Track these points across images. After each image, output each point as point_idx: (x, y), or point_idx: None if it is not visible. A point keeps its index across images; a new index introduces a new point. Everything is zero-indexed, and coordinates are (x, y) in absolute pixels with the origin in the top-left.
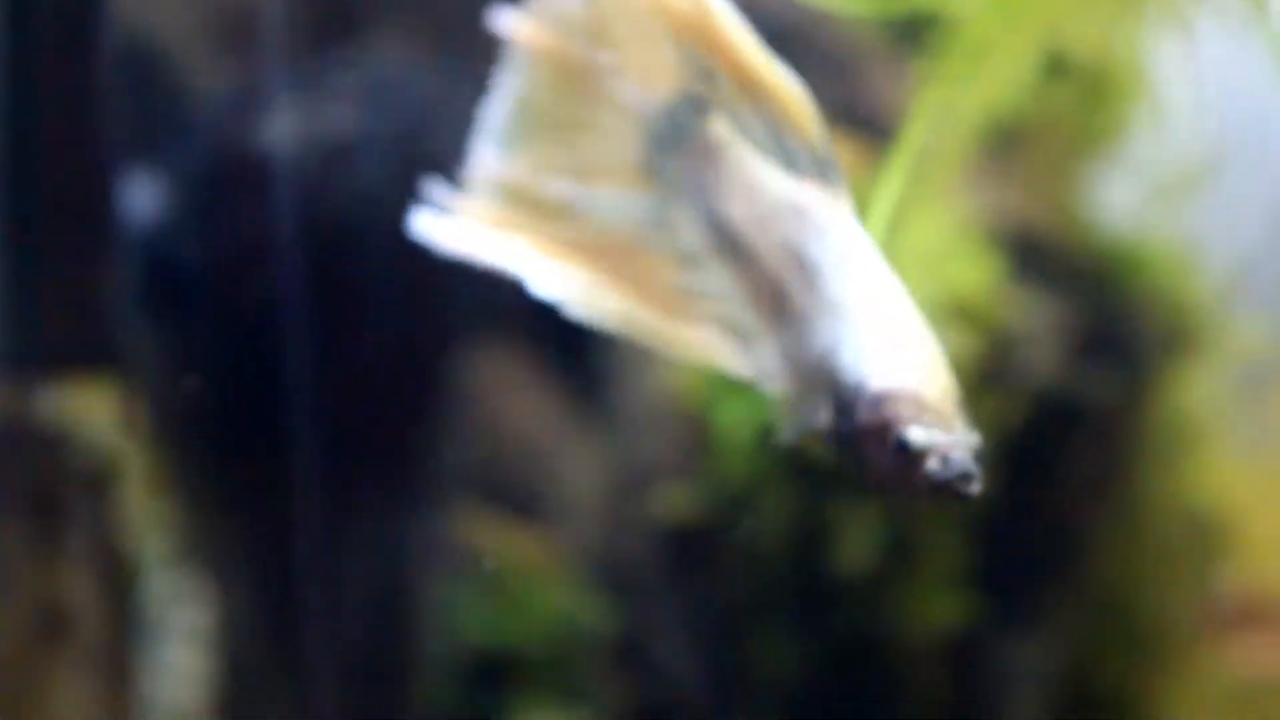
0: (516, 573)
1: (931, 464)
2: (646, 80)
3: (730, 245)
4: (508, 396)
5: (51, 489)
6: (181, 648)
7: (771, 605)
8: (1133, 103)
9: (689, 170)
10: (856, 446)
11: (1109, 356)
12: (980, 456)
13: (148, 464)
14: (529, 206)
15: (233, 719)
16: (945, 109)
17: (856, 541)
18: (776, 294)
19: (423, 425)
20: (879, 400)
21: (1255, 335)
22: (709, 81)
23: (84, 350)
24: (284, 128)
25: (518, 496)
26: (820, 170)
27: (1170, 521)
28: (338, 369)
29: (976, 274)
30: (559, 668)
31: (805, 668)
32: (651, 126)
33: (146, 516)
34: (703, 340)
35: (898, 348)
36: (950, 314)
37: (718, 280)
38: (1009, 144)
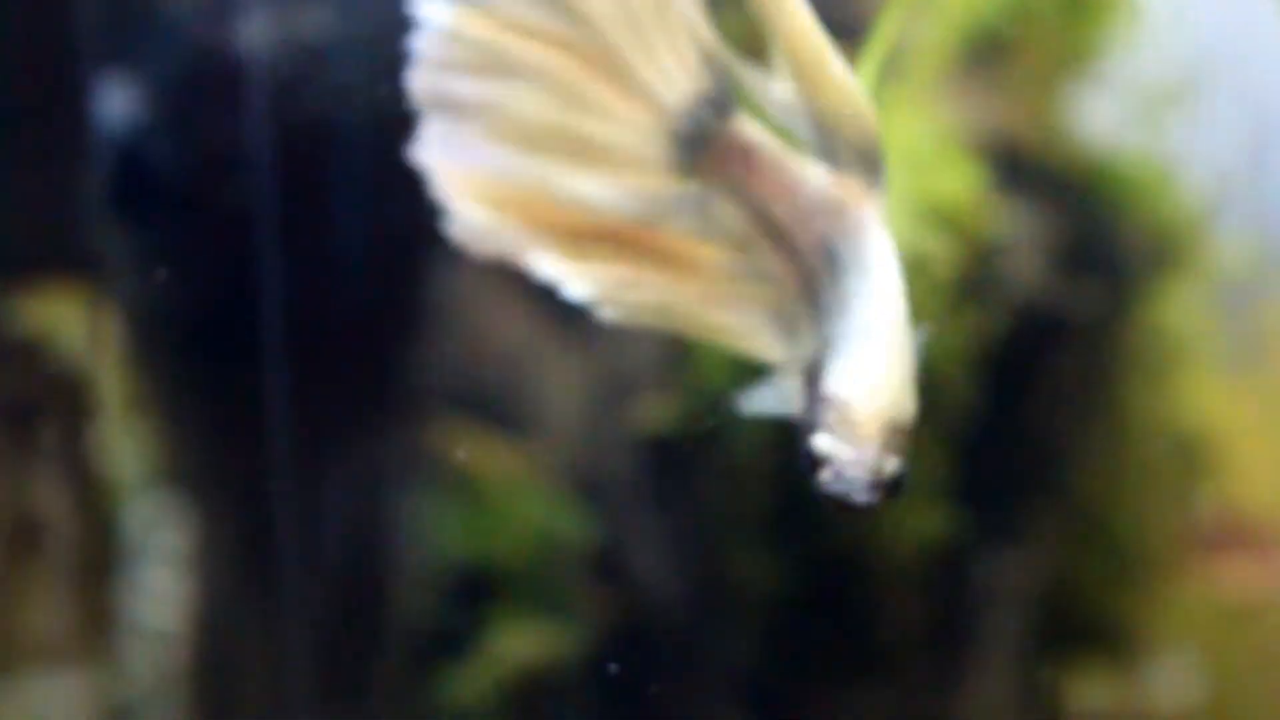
0: (495, 485)
1: (825, 474)
2: (664, 78)
3: (776, 237)
4: (486, 307)
5: (24, 399)
6: (158, 569)
7: (751, 518)
8: (1114, 17)
9: (721, 166)
10: (800, 438)
11: (1091, 271)
12: (891, 484)
13: (120, 376)
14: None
15: (210, 639)
16: (925, 5)
17: None
18: (811, 287)
19: (400, 337)
20: (816, 401)
21: (1237, 252)
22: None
23: (56, 257)
24: (258, 29)
25: (497, 409)
26: (865, 166)
27: (1153, 439)
28: (313, 278)
29: (959, 181)
30: (538, 581)
31: (784, 580)
32: (673, 124)
33: (121, 432)
34: (745, 326)
35: (863, 354)
36: (932, 220)
37: (767, 263)
38: (990, 56)
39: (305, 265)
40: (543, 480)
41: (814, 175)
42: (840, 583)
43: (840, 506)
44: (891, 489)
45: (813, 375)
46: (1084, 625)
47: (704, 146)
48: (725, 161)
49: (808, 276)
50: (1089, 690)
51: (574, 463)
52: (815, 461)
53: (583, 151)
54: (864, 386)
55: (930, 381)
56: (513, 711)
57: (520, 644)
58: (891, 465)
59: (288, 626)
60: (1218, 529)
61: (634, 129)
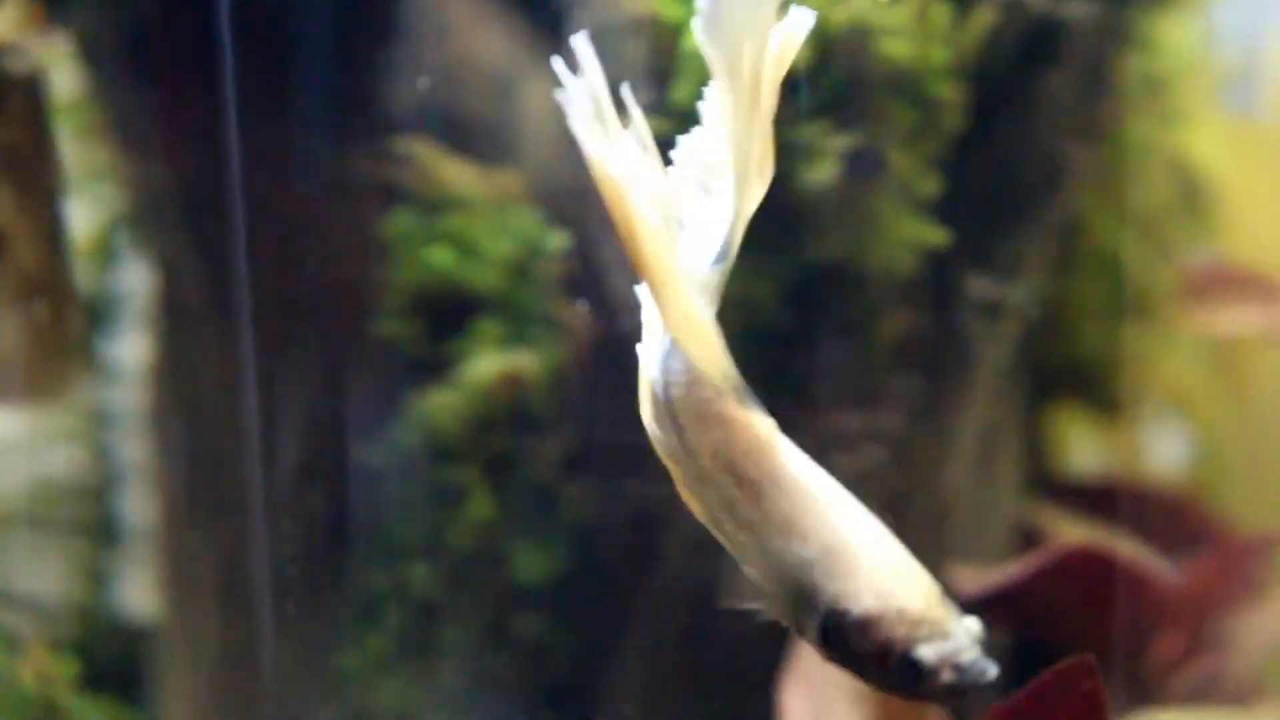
0: (474, 207)
1: (945, 676)
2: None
3: (673, 421)
4: (468, 27)
5: None
6: (123, 310)
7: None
8: None
9: None
10: (856, 667)
11: None
12: (982, 639)
13: (82, 88)
14: None
15: (175, 380)
16: None
17: (824, 162)
18: (722, 497)
19: (377, 59)
20: (867, 624)
21: None
22: None
23: None
24: None
25: (475, 132)
26: (736, 392)
27: (1154, 172)
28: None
29: None
30: (517, 301)
31: (774, 293)
32: None
33: (82, 165)
34: None
35: (862, 567)
36: None
37: (668, 440)
38: None
39: None
40: (523, 200)
41: (711, 385)
42: (832, 293)
43: (969, 694)
44: (985, 642)
45: (792, 599)
46: (1076, 356)
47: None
48: None
49: (714, 486)
50: (1077, 430)
51: (555, 182)
52: (928, 674)
53: None
54: (893, 584)
55: (920, 97)
56: (487, 430)
57: (496, 366)
58: (972, 624)
59: (250, 359)
60: (1212, 272)
61: None
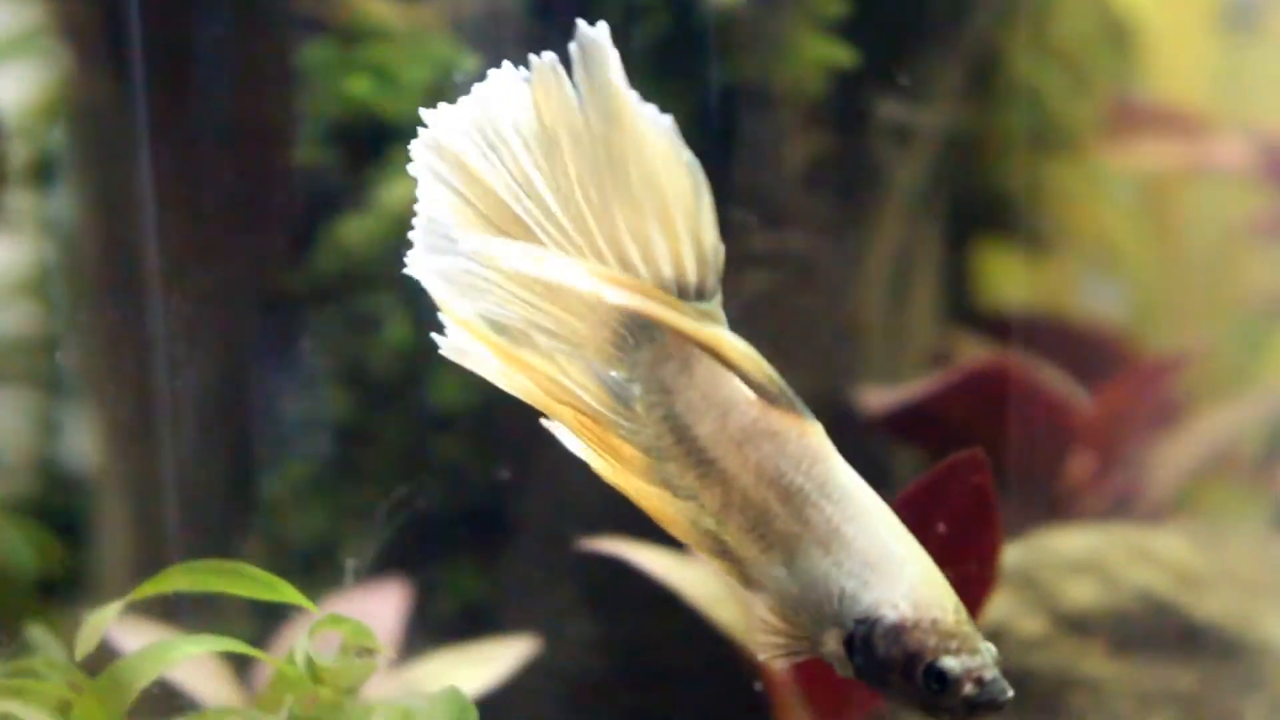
0: (389, 40)
1: (967, 689)
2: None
3: (697, 458)
4: None
5: None
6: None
7: (652, 53)
8: None
9: (654, 364)
10: (879, 677)
11: None
12: (1000, 661)
13: None
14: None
15: (107, 232)
16: None
17: None
18: (758, 516)
19: None
20: (901, 631)
21: None
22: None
23: None
24: None
25: None
26: (787, 400)
27: (1075, 6)
28: None
29: None
30: None
31: (684, 114)
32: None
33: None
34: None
35: (901, 576)
36: None
37: (683, 480)
38: None
39: None
40: (436, 34)
41: (750, 403)
42: (741, 116)
43: (988, 711)
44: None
45: (817, 613)
46: (997, 189)
47: (648, 339)
48: (661, 359)
49: (750, 507)
50: (1003, 266)
51: (472, 11)
52: (951, 684)
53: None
54: (926, 596)
55: None
56: (396, 254)
57: (409, 193)
58: (992, 647)
59: (152, 195)
60: (1133, 110)
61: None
